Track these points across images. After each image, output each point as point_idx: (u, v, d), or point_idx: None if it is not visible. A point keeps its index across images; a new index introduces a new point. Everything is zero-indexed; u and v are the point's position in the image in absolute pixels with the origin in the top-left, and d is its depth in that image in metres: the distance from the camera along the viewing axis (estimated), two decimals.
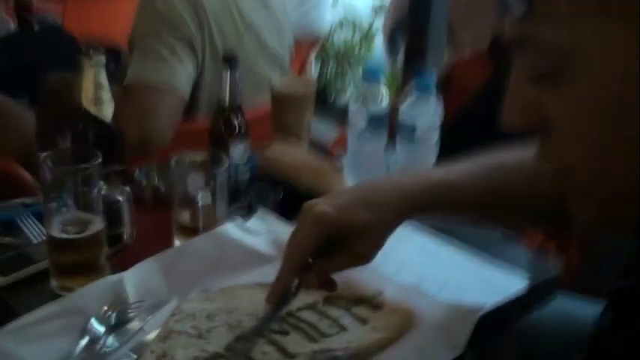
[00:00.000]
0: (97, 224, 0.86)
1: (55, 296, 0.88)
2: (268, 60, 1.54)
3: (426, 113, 1.12)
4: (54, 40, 1.93)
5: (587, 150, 0.48)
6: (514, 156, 0.82)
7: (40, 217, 1.01)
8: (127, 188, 0.86)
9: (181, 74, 1.31)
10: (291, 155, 1.23)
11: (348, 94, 1.71)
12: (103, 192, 0.85)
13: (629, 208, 0.49)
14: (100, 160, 0.83)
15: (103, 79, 0.93)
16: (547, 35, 0.47)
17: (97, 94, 0.92)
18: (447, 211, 0.84)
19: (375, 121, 1.17)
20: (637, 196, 0.47)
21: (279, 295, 0.80)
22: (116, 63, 1.55)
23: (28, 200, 1.06)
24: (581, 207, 0.52)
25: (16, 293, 0.90)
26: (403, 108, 1.14)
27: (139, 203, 0.96)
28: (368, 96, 1.18)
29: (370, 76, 1.17)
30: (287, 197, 1.13)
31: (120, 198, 0.86)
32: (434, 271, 0.96)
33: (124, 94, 1.20)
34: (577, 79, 0.46)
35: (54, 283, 0.89)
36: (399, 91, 1.26)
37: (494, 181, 0.82)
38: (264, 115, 1.35)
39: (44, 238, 0.96)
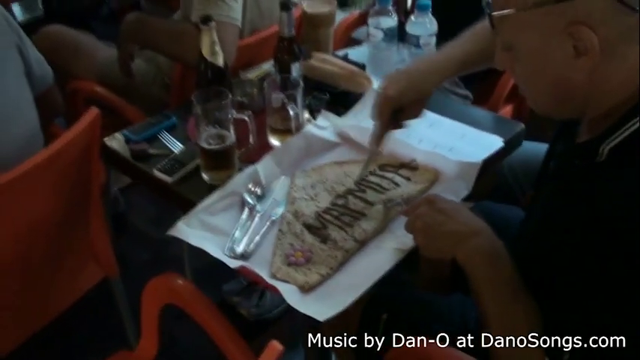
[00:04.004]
0: (231, 138, 1.33)
1: (209, 185, 1.36)
2: None
3: (426, 25, 1.57)
4: None
5: (533, 90, 0.97)
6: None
7: (169, 130, 1.48)
8: (250, 112, 1.32)
9: (235, 7, 1.71)
10: (328, 64, 1.68)
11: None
12: (234, 116, 1.31)
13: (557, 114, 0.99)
14: (228, 96, 1.29)
15: (215, 37, 1.36)
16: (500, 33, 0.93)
17: (213, 49, 1.36)
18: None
19: (388, 34, 1.62)
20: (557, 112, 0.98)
21: (379, 140, 1.31)
22: None
23: (153, 120, 1.51)
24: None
25: (182, 187, 1.37)
26: (409, 22, 1.58)
27: None
28: (381, 14, 1.62)
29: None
30: (332, 97, 1.60)
31: (246, 118, 1.32)
32: (443, 140, 1.47)
33: (195, 28, 1.60)
34: (520, 58, 0.93)
35: (206, 177, 1.36)
36: (404, 10, 1.69)
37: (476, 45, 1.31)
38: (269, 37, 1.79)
39: (181, 147, 1.43)
